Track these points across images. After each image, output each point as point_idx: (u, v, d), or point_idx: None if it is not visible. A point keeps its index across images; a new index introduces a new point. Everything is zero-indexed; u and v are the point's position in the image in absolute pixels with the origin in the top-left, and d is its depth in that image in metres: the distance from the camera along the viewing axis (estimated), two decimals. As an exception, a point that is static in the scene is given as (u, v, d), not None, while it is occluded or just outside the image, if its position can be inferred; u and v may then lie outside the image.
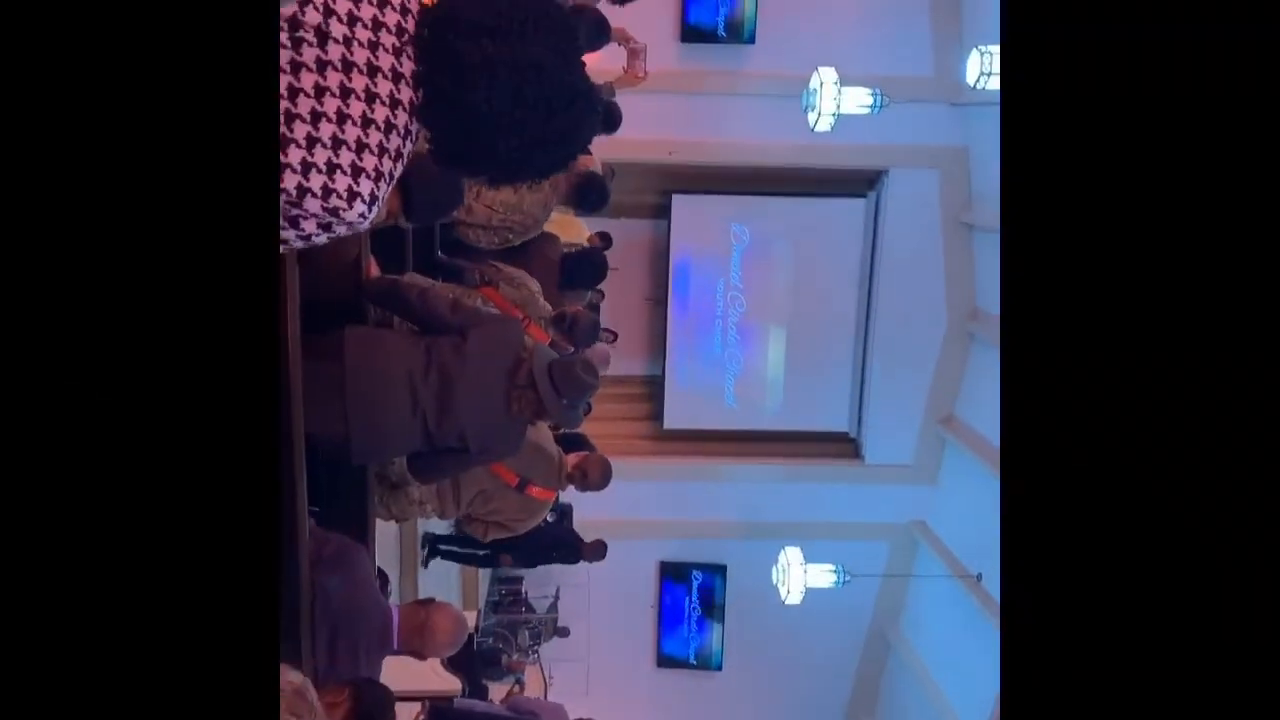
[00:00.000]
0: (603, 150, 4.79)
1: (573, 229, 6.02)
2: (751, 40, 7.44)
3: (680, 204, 8.17)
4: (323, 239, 1.17)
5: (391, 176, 1.18)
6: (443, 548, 6.82)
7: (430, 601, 2.76)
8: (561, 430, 4.41)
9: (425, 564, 6.65)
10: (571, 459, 3.69)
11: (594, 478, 3.61)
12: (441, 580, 6.96)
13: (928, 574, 7.95)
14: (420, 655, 2.73)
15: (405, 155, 1.19)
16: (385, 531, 4.33)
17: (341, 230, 1.17)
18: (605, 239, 6.89)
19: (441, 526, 6.88)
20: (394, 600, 3.39)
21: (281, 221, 1.13)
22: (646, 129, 7.28)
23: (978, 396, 7.67)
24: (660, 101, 6.96)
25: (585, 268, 4.48)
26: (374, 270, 2.99)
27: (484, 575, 8.00)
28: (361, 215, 1.15)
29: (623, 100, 5.59)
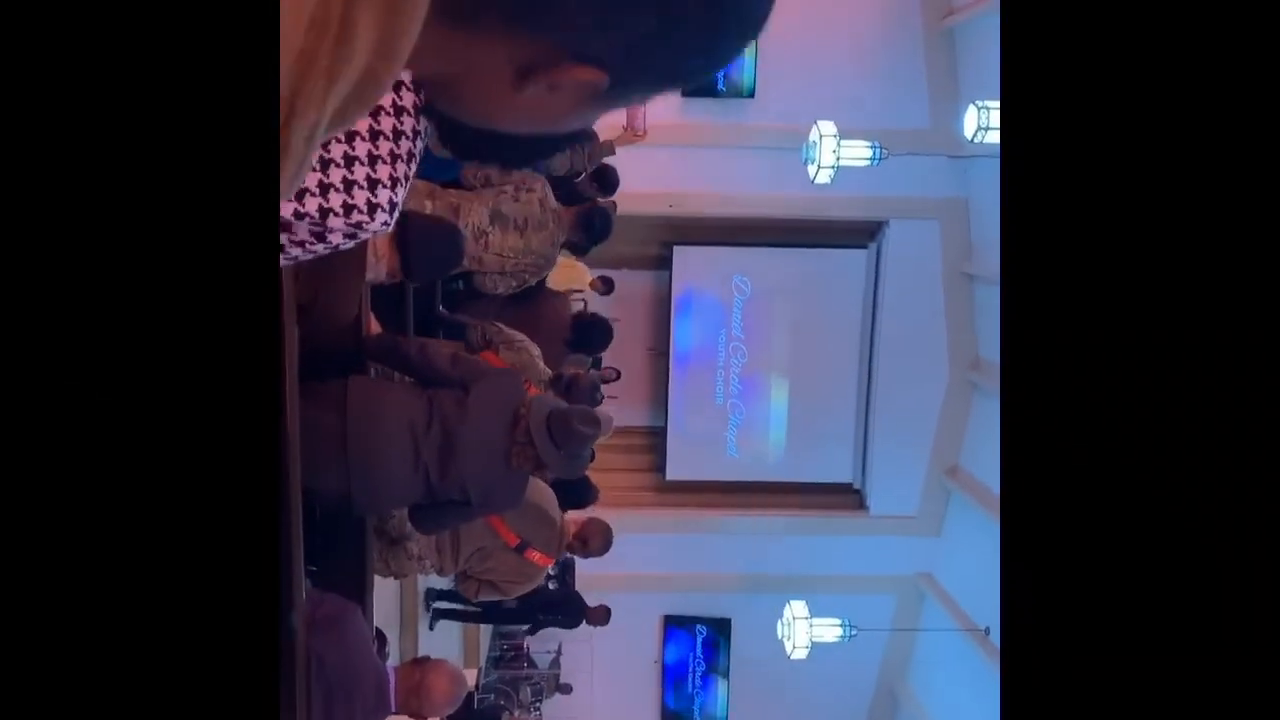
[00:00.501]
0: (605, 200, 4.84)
1: (575, 274, 6.06)
2: (751, 94, 7.55)
3: (681, 255, 8.23)
4: (350, 244, 1.22)
5: (407, 177, 1.23)
6: (444, 607, 6.75)
7: (426, 660, 2.72)
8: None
9: (431, 627, 6.58)
10: (573, 525, 3.66)
11: (595, 545, 3.59)
12: (443, 637, 6.86)
13: (935, 628, 7.84)
14: (419, 716, 2.68)
15: (417, 153, 1.23)
16: (384, 588, 4.28)
17: (366, 235, 1.22)
18: (608, 283, 6.93)
19: (442, 584, 6.82)
20: (394, 659, 3.33)
21: (308, 238, 1.18)
22: (648, 182, 7.37)
23: (982, 447, 7.64)
24: (661, 155, 7.05)
25: (594, 332, 4.50)
26: (374, 327, 3.00)
27: (485, 631, 7.90)
28: (385, 223, 1.21)
29: (624, 154, 5.67)
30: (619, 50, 0.67)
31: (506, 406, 2.83)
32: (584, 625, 6.95)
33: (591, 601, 6.94)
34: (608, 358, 6.99)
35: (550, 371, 3.70)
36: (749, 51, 7.45)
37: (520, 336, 3.64)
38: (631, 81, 0.75)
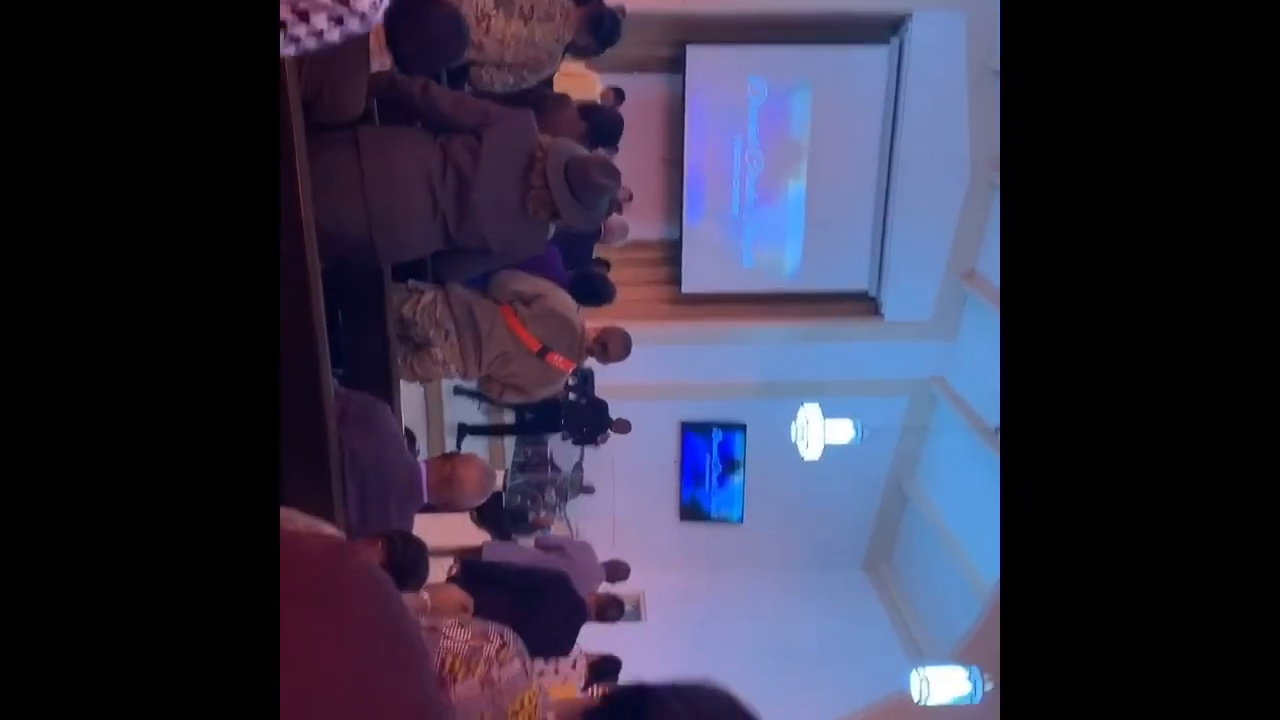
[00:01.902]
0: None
1: (584, 84, 5.84)
2: (768, -126, 6.99)
3: (695, 56, 7.87)
4: (336, 35, 1.14)
5: None
6: (472, 426, 7.01)
7: (456, 454, 2.83)
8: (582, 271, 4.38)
9: (459, 446, 6.84)
10: (592, 331, 3.70)
11: (614, 350, 3.63)
12: (468, 444, 7.13)
13: (945, 428, 8.05)
14: (451, 506, 2.80)
15: None
16: (410, 395, 4.39)
17: (354, 25, 1.14)
18: (618, 94, 6.69)
19: (470, 412, 7.02)
20: (422, 458, 3.46)
21: (291, 17, 1.10)
22: (659, -24, 6.96)
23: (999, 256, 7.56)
24: (672, -55, 6.62)
25: (606, 121, 4.38)
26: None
27: (509, 439, 8.18)
28: (373, 4, 1.12)
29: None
30: None
31: (520, 151, 2.79)
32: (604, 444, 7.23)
33: (612, 413, 7.18)
34: (621, 164, 6.84)
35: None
36: None
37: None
38: None
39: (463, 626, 1.24)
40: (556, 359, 3.50)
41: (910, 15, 7.48)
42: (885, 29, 7.74)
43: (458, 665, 1.19)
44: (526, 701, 1.21)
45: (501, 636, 1.25)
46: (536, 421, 7.60)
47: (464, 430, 7.10)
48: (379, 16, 1.13)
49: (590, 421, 7.26)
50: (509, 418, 7.78)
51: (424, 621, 1.24)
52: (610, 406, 7.45)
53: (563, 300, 3.56)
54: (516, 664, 1.22)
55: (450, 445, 6.53)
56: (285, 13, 1.11)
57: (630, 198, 7.22)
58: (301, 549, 0.92)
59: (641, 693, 1.03)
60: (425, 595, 2.62)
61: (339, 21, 1.13)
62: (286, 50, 1.13)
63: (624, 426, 7.42)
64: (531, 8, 3.32)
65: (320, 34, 1.12)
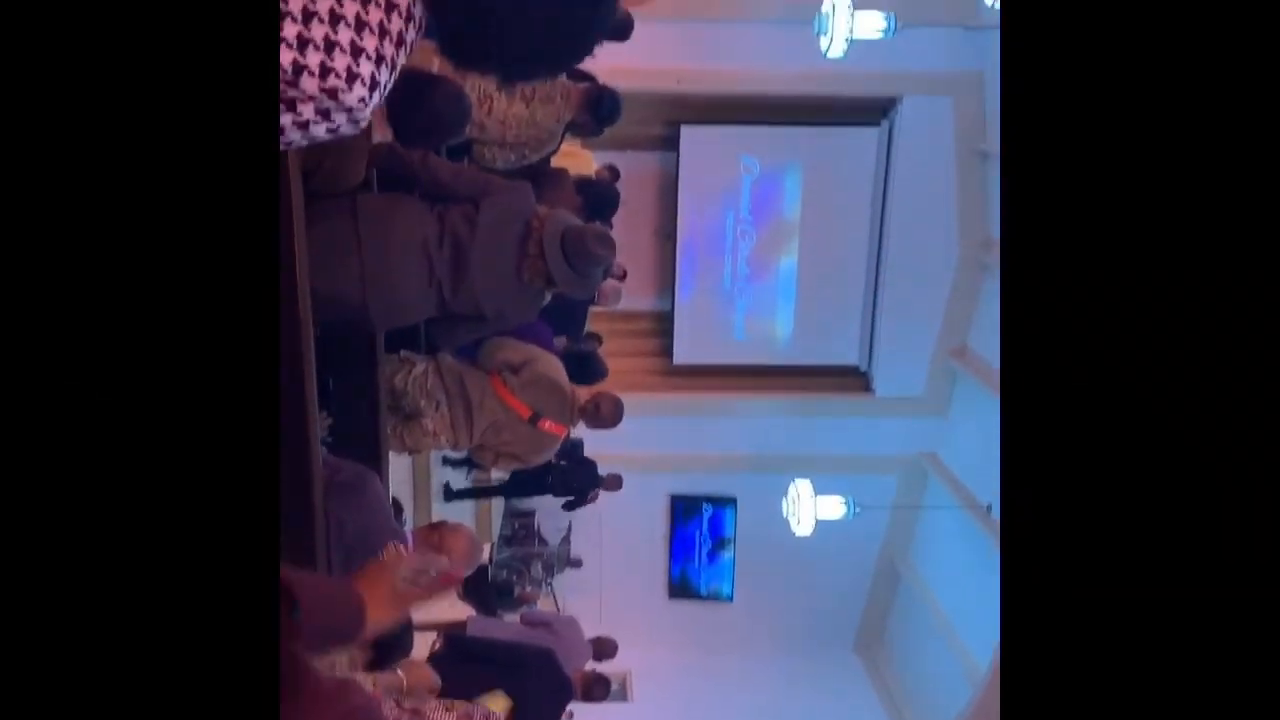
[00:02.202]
0: (610, 77, 4.69)
1: (580, 162, 5.93)
2: (762, -37, 7.24)
3: (689, 135, 8.04)
4: (322, 130, 1.12)
5: (394, 64, 1.12)
6: (458, 489, 6.93)
7: (444, 524, 2.78)
8: (574, 348, 4.39)
9: (446, 500, 6.76)
10: (583, 394, 3.69)
11: (606, 413, 3.61)
12: (455, 516, 7.03)
13: (938, 506, 8.00)
14: (436, 579, 2.74)
15: (409, 44, 1.13)
16: (398, 465, 4.35)
17: (341, 120, 1.11)
18: (614, 172, 6.80)
19: (458, 479, 6.97)
20: (409, 528, 3.41)
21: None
22: (654, 58, 7.12)
23: (991, 328, 7.62)
24: (668, 29, 6.80)
25: (602, 194, 4.43)
26: None
27: (497, 510, 8.08)
28: (361, 100, 1.10)
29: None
30: None
31: (517, 219, 2.82)
32: (595, 502, 7.13)
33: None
34: (615, 237, 6.91)
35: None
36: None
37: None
38: None
39: (448, 710, 1.20)
40: (548, 425, 3.48)
41: (899, 99, 7.67)
42: (875, 111, 7.94)
43: None
44: None
45: (486, 719, 1.22)
46: (525, 483, 7.51)
47: (450, 493, 7.00)
48: (368, 114, 1.12)
49: (580, 480, 7.18)
50: (496, 474, 7.69)
51: (406, 704, 1.20)
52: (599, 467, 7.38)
53: (551, 365, 3.56)
54: None
55: (437, 513, 6.45)
56: None
57: (624, 275, 7.29)
58: (317, 688, 0.93)
59: None
60: (400, 674, 2.55)
61: (325, 115, 1.11)
62: (283, 123, 1.12)
63: (615, 483, 7.33)
64: (533, 90, 3.39)
65: (306, 125, 1.11)
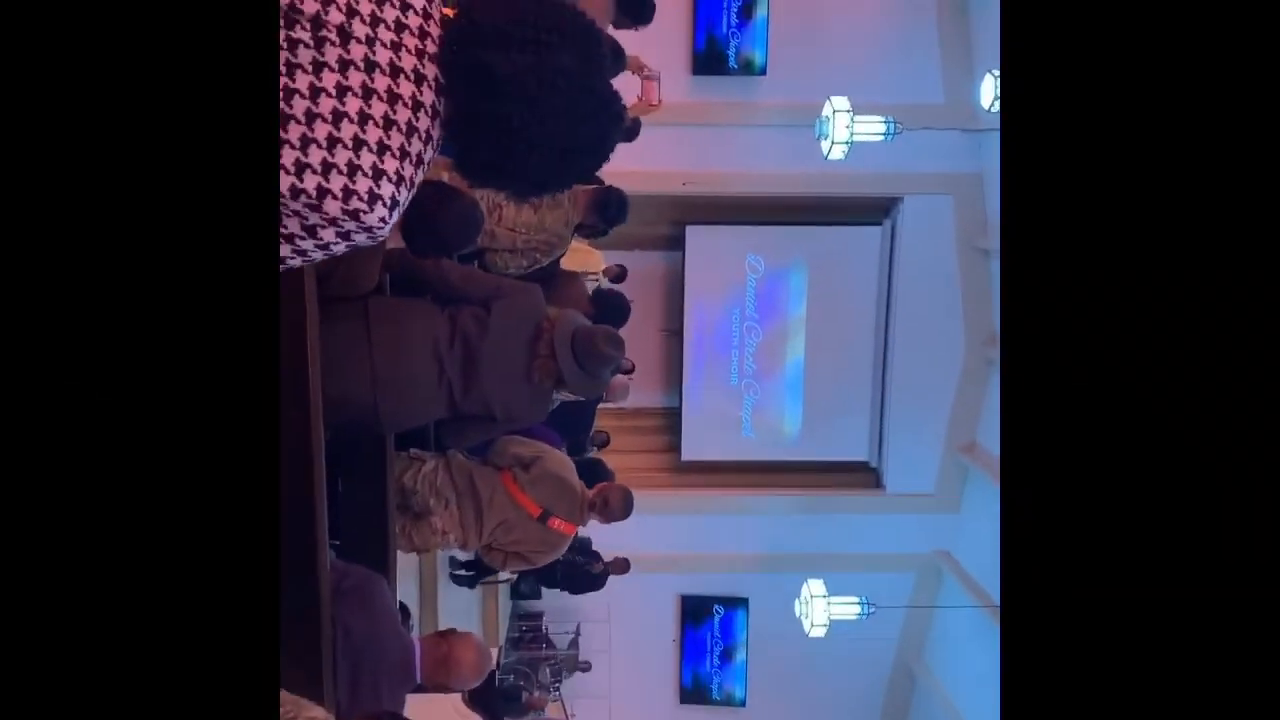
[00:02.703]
0: (617, 180, 4.82)
1: (589, 260, 6.04)
2: (763, 71, 7.50)
3: (695, 235, 8.19)
4: (341, 247, 1.15)
5: (413, 183, 1.17)
6: (464, 575, 6.83)
7: (452, 632, 2.72)
8: (582, 456, 4.38)
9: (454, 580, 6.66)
10: (593, 490, 3.67)
11: (615, 506, 3.58)
12: (462, 617, 6.89)
13: (952, 605, 7.82)
14: (444, 688, 2.68)
15: (427, 163, 1.18)
16: (406, 564, 4.30)
17: (361, 239, 1.15)
18: (622, 270, 6.91)
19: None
20: (415, 634, 3.34)
21: (300, 232, 1.12)
22: (660, 161, 7.33)
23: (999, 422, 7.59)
24: (673, 134, 7.00)
25: (613, 308, 4.51)
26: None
27: (504, 612, 7.93)
28: (382, 220, 1.13)
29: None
30: None
31: (528, 320, 2.86)
32: (602, 600, 7.00)
33: (611, 588, 7.00)
34: (623, 334, 6.97)
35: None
36: (760, 28, 7.41)
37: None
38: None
39: None
40: (558, 522, 3.45)
41: (901, 199, 7.84)
42: (878, 211, 8.10)
43: None
44: None
45: None
46: (530, 575, 7.39)
47: (456, 579, 6.85)
48: (387, 232, 1.16)
49: (588, 572, 7.06)
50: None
51: None
52: (608, 580, 7.26)
53: (561, 462, 3.55)
54: None
55: (443, 620, 6.31)
56: (295, 227, 1.12)
57: (633, 369, 7.32)
58: None
59: None
60: None
61: (346, 237, 1.14)
62: (293, 262, 1.16)
63: (622, 566, 7.21)
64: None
65: (327, 246, 1.15)
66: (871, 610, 6.82)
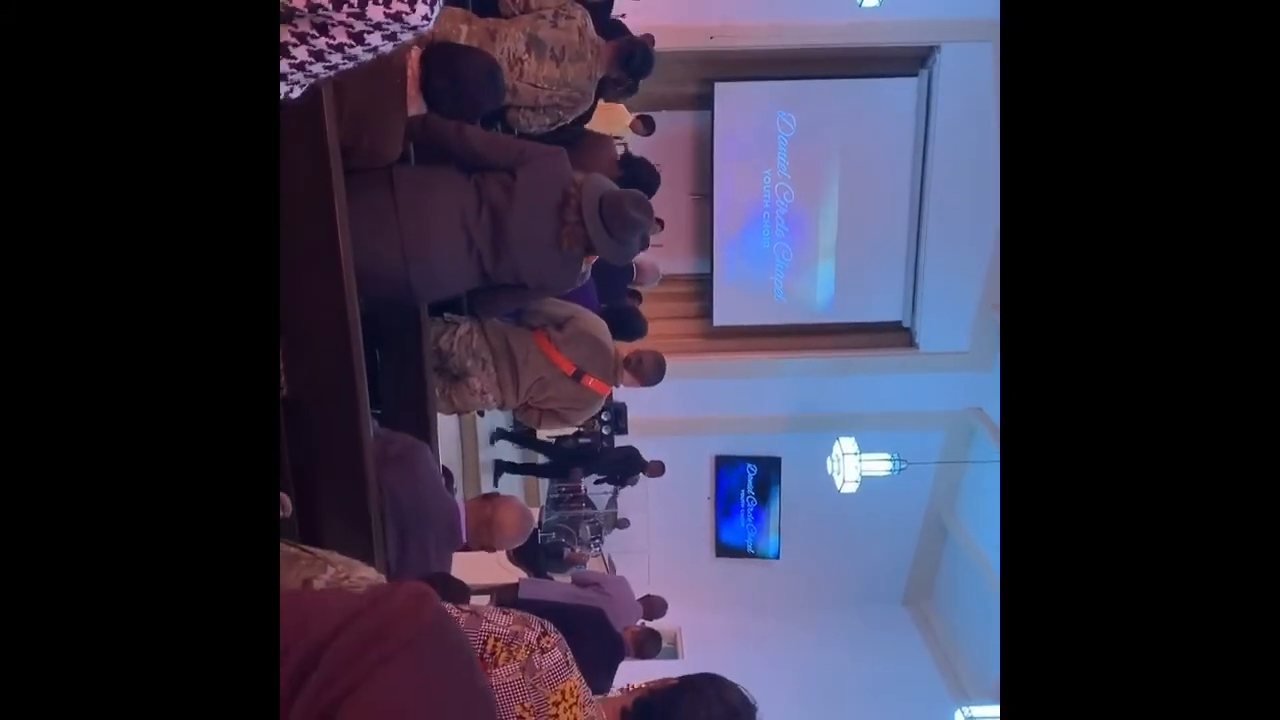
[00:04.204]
0: (640, 33, 4.64)
1: (614, 116, 5.88)
2: (794, -88, 7.08)
3: (723, 92, 7.93)
4: (389, 48, 1.22)
5: None
6: (507, 462, 7.05)
7: (495, 495, 2.82)
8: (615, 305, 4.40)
9: (495, 483, 6.85)
10: (625, 351, 3.70)
11: (649, 367, 3.61)
12: (503, 481, 7.13)
13: (984, 460, 7.92)
14: (489, 548, 2.80)
15: None
16: (446, 426, 4.40)
17: (407, 37, 1.21)
18: (648, 123, 6.73)
19: (507, 451, 7.07)
20: (459, 497, 3.46)
21: (348, 40, 1.17)
22: (686, 15, 7.03)
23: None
24: (700, -15, 6.70)
25: (642, 172, 4.43)
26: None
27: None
28: (425, 18, 1.19)
29: (661, -16, 5.38)
30: None
31: (555, 187, 2.83)
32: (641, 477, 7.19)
33: (646, 454, 7.15)
34: (652, 200, 6.87)
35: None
36: None
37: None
38: None
39: (505, 613, 1.23)
40: (592, 381, 3.50)
41: (938, 47, 7.49)
42: (913, 61, 7.76)
43: (499, 648, 1.17)
44: (568, 692, 1.20)
45: (543, 625, 1.24)
46: (567, 464, 7.59)
47: (500, 467, 7.12)
48: (430, 26, 1.20)
49: (621, 467, 7.21)
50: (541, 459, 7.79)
51: (464, 607, 1.24)
52: (643, 443, 7.42)
53: (594, 322, 3.57)
54: (558, 653, 1.21)
55: (487, 484, 6.53)
56: (342, 36, 1.16)
57: (662, 225, 7.23)
58: (392, 602, 0.96)
59: (681, 682, 1.36)
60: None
61: (392, 38, 1.20)
62: (346, 67, 1.21)
63: (657, 469, 7.36)
64: (563, 49, 3.35)
65: (375, 50, 1.21)
66: (903, 466, 6.92)
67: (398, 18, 1.16)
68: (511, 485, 7.43)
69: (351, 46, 1.18)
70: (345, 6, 1.14)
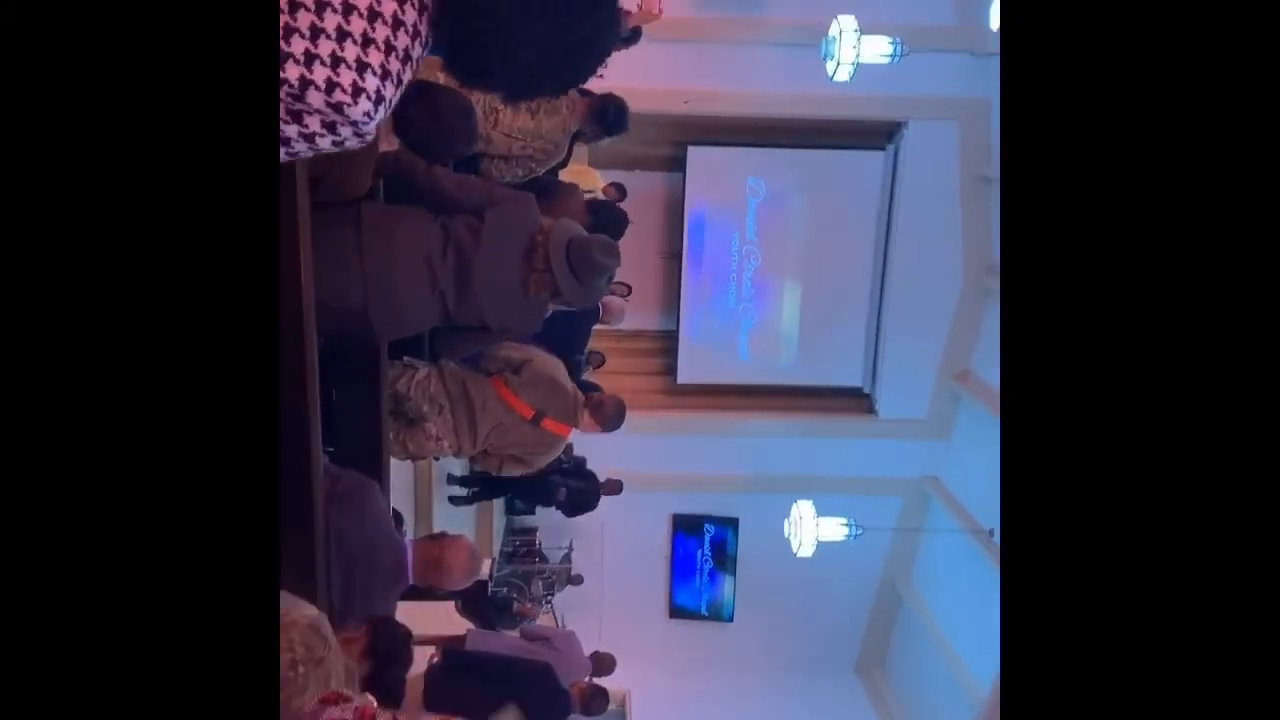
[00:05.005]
0: (617, 91, 4.73)
1: (587, 178, 5.99)
2: (770, -13, 7.31)
3: (696, 156, 8.10)
4: (328, 143, 1.14)
5: (400, 79, 1.15)
6: (460, 494, 6.93)
7: (444, 535, 2.79)
8: (576, 378, 4.41)
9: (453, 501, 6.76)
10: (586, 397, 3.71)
11: (609, 409, 3.61)
12: (455, 529, 7.02)
13: (940, 529, 7.98)
14: (436, 587, 2.76)
15: (415, 60, 1.16)
16: (400, 471, 4.37)
17: (347, 134, 1.13)
18: (620, 190, 6.86)
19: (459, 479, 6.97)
20: (408, 539, 3.42)
21: (284, 116, 1.10)
22: (662, 79, 7.19)
23: (994, 352, 7.59)
24: (676, 50, 6.87)
25: (609, 217, 4.47)
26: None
27: (498, 527, 8.08)
28: (366, 114, 1.12)
29: (637, 49, 5.51)
30: None
31: (522, 232, 2.82)
32: (595, 516, 7.11)
33: (604, 508, 7.10)
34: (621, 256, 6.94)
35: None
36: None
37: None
38: None
39: None
40: (551, 424, 3.49)
41: (905, 123, 7.72)
42: (881, 135, 7.99)
43: None
44: None
45: None
46: (528, 494, 7.48)
47: (453, 481, 6.97)
48: (373, 128, 1.14)
49: (583, 494, 7.16)
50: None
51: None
52: (601, 499, 7.37)
53: (551, 363, 3.57)
54: None
55: (439, 526, 6.43)
56: (281, 112, 1.11)
57: (629, 292, 7.31)
58: None
59: None
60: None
61: (331, 128, 1.12)
62: (280, 158, 1.15)
63: (615, 487, 7.32)
64: (538, 102, 3.43)
65: (312, 138, 1.13)
66: (859, 531, 6.95)
67: (338, 108, 1.10)
68: (463, 520, 7.33)
69: (287, 124, 1.11)
70: (284, 86, 1.07)
